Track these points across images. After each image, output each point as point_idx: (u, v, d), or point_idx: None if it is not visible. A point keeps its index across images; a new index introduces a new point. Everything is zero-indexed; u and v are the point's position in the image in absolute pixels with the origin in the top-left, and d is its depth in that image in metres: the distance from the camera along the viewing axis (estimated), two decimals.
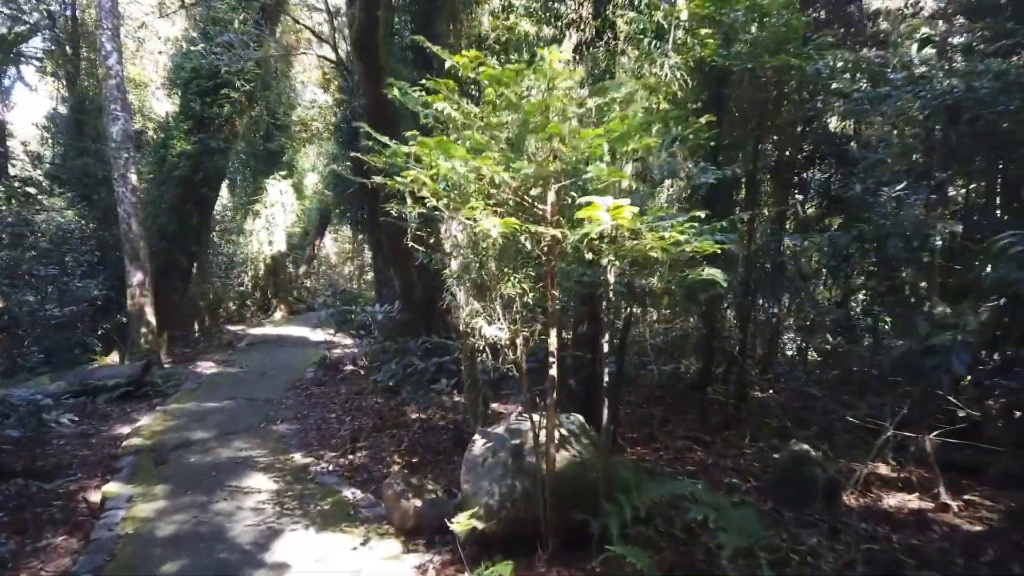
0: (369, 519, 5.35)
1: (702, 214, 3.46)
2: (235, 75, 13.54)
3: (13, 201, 12.62)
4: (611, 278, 4.32)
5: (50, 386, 10.43)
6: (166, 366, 13.20)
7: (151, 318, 12.48)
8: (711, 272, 3.33)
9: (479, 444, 4.53)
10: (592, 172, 3.31)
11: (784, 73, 6.58)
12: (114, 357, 13.20)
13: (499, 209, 3.71)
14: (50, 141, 15.38)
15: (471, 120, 3.79)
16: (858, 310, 9.90)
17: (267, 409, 9.47)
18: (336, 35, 12.56)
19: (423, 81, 3.89)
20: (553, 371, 3.89)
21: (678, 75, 6.21)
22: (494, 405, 8.22)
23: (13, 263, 10.89)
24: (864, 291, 10.14)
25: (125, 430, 8.67)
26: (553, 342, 3.85)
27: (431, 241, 6.35)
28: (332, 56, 12.72)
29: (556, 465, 4.00)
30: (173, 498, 5.96)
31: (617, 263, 3.47)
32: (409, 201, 4.38)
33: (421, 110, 4.12)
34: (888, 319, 8.96)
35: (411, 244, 5.24)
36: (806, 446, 5.26)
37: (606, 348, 4.77)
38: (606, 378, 4.53)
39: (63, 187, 14.05)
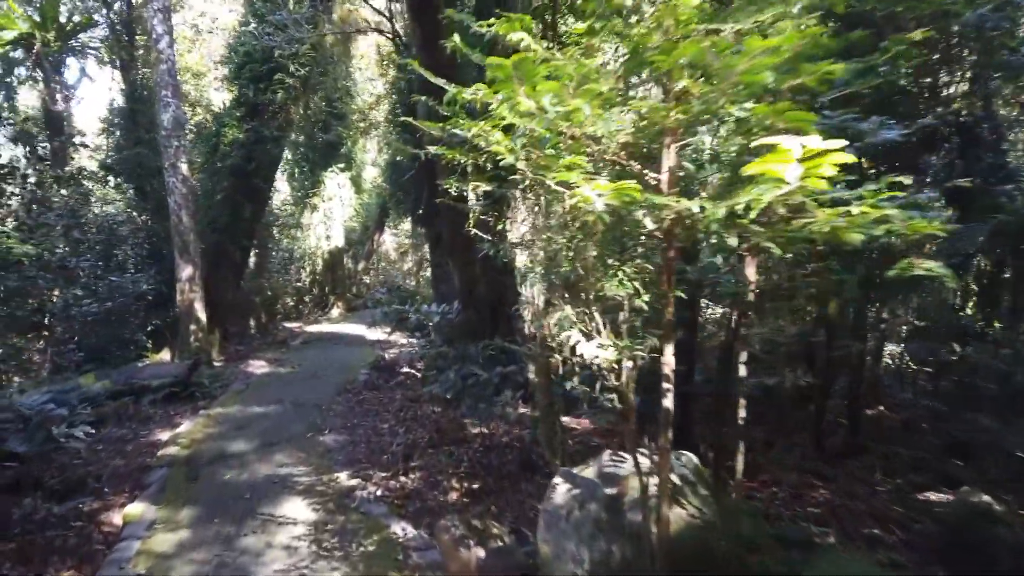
0: (421, 567, 4.39)
1: (906, 180, 2.32)
2: (289, 59, 12.87)
3: (64, 191, 12.24)
4: (752, 274, 3.19)
5: (94, 385, 9.93)
6: (217, 364, 12.66)
7: (201, 314, 11.92)
8: (929, 266, 2.18)
9: (561, 491, 3.47)
10: (745, 112, 2.22)
11: (936, 21, 5.28)
12: (166, 355, 12.76)
13: (595, 177, 2.66)
14: (106, 132, 15.10)
15: (556, 60, 2.75)
16: (975, 315, 8.52)
17: (315, 416, 8.68)
18: (393, 8, 11.70)
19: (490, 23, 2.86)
20: (668, 401, 2.80)
21: (804, 22, 4.98)
22: (564, 419, 7.19)
23: (61, 257, 10.44)
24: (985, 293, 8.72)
25: (164, 436, 8.02)
26: (669, 361, 2.77)
27: (497, 228, 5.37)
28: (389, 31, 11.88)
29: (670, 527, 2.92)
30: (198, 527, 5.15)
31: (777, 249, 2.35)
32: (471, 176, 3.37)
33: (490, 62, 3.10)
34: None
35: (473, 231, 4.23)
36: (986, 497, 4.00)
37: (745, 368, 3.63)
38: (742, 412, 3.41)
39: (118, 178, 13.70)
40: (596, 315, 2.73)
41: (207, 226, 12.87)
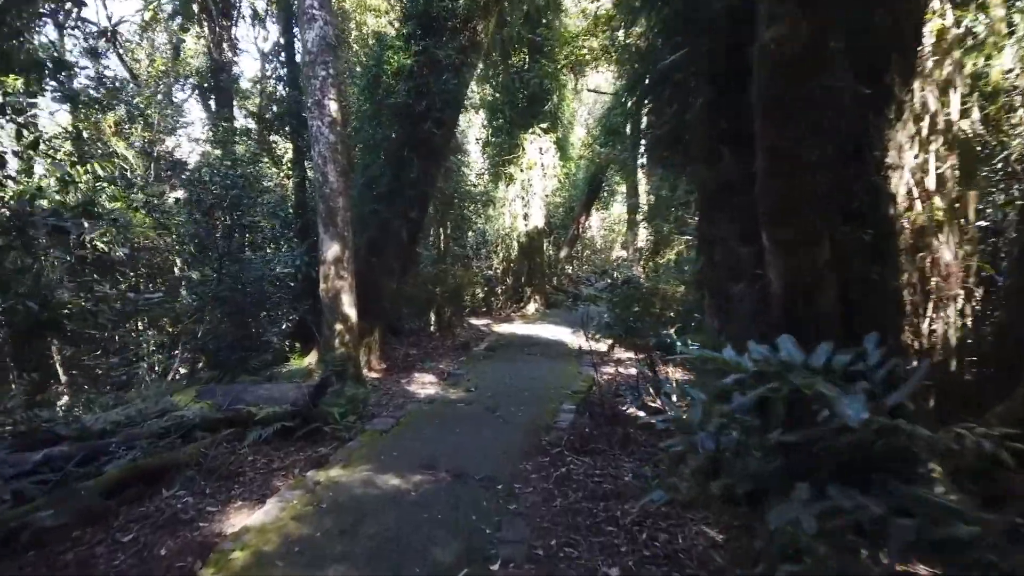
0: None
1: None
2: None
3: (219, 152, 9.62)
4: None
5: (191, 408, 6.94)
6: (373, 376, 9.41)
7: (349, 309, 8.60)
8: None
9: None
10: None
11: None
12: (313, 358, 9.76)
13: None
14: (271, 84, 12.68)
15: None
16: None
17: (481, 511, 4.77)
18: None
19: None
20: None
21: None
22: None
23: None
24: None
25: (231, 528, 4.62)
26: None
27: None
28: None
29: None
30: None
31: None
32: None
33: None
34: None
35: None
36: None
37: None
38: None
39: (274, 134, 10.99)
40: None
41: (364, 189, 9.54)
